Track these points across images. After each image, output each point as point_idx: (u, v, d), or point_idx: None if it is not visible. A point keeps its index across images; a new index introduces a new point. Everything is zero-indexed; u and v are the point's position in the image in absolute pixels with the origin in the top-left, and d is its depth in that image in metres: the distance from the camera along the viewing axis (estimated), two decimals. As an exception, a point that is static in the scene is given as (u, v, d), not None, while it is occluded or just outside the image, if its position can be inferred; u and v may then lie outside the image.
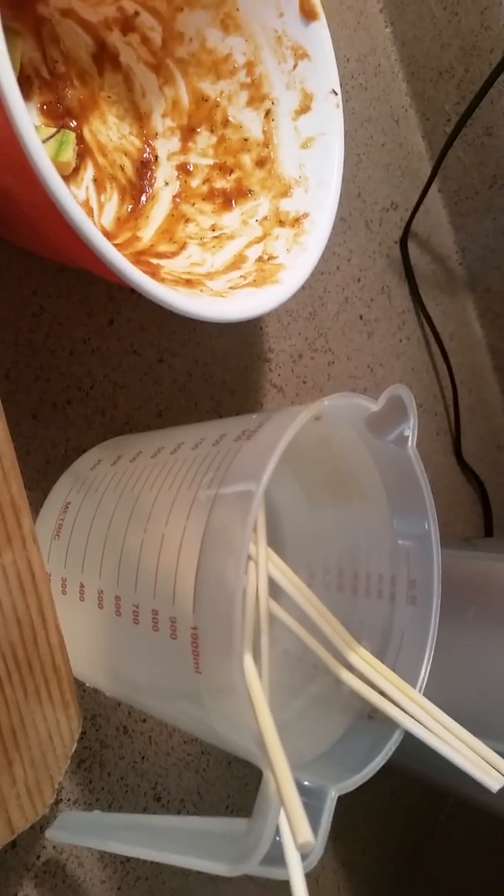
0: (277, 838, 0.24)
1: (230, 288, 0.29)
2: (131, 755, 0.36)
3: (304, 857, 0.25)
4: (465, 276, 0.61)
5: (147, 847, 0.26)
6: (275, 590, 0.30)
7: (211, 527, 0.23)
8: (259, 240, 0.32)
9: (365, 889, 0.51)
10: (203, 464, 0.25)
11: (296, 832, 0.19)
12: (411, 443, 0.30)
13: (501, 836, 0.59)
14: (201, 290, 0.28)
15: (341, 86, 0.33)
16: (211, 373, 0.39)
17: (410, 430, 0.30)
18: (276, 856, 0.24)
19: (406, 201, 0.55)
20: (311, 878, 0.48)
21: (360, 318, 0.50)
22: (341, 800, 0.50)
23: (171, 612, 0.24)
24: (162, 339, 0.36)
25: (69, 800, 0.33)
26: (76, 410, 0.32)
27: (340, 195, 0.49)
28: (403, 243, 0.54)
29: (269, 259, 0.31)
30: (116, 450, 0.30)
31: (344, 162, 0.43)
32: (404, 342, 0.54)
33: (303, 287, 0.45)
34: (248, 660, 0.25)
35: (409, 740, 0.40)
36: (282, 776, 0.20)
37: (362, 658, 0.30)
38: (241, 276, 0.30)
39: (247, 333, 0.41)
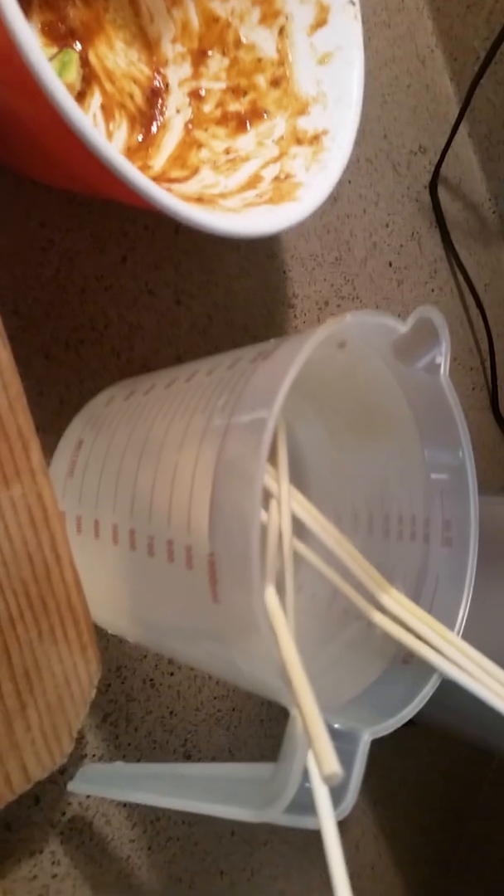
0: (307, 784, 0.23)
1: (245, 206, 0.27)
2: (159, 710, 0.34)
3: (336, 804, 0.23)
4: (499, 225, 0.59)
5: (171, 796, 0.25)
6: (302, 532, 0.29)
7: (225, 449, 0.22)
8: (276, 160, 0.30)
9: (407, 856, 0.50)
10: (217, 388, 0.24)
11: (321, 762, 0.17)
12: (444, 370, 0.28)
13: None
14: (214, 208, 0.26)
15: (362, 23, 0.31)
16: (232, 318, 0.37)
17: (442, 356, 0.28)
18: (306, 803, 0.23)
19: (435, 145, 0.52)
20: (351, 845, 0.46)
21: (390, 265, 0.48)
22: (380, 764, 0.49)
23: (187, 540, 0.22)
24: (179, 279, 0.35)
25: (94, 756, 0.32)
26: (90, 351, 0.31)
27: (365, 135, 0.47)
28: (433, 189, 0.52)
29: (286, 178, 0.29)
30: (131, 386, 0.29)
31: (366, 92, 0.41)
32: (436, 292, 0.52)
33: (328, 230, 0.43)
34: (271, 592, 0.24)
35: (449, 695, 0.38)
36: (306, 706, 0.19)
37: (395, 600, 0.29)
38: (258, 195, 0.28)
39: (270, 278, 0.40)
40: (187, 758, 0.36)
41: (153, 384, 0.27)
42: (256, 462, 0.20)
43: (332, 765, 0.17)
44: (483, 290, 0.56)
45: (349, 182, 0.45)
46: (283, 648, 0.21)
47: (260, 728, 0.39)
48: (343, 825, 0.46)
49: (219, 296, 0.36)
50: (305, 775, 0.22)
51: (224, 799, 0.23)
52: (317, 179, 0.29)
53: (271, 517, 0.27)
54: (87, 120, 0.21)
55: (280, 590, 0.25)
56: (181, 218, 0.24)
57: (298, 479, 0.33)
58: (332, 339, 0.27)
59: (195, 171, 0.31)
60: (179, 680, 0.35)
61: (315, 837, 0.22)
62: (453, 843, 0.54)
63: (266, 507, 0.27)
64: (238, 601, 0.21)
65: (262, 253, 0.39)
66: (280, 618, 0.22)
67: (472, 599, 0.29)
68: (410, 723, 0.45)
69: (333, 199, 0.44)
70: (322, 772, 0.17)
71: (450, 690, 0.35)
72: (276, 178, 0.29)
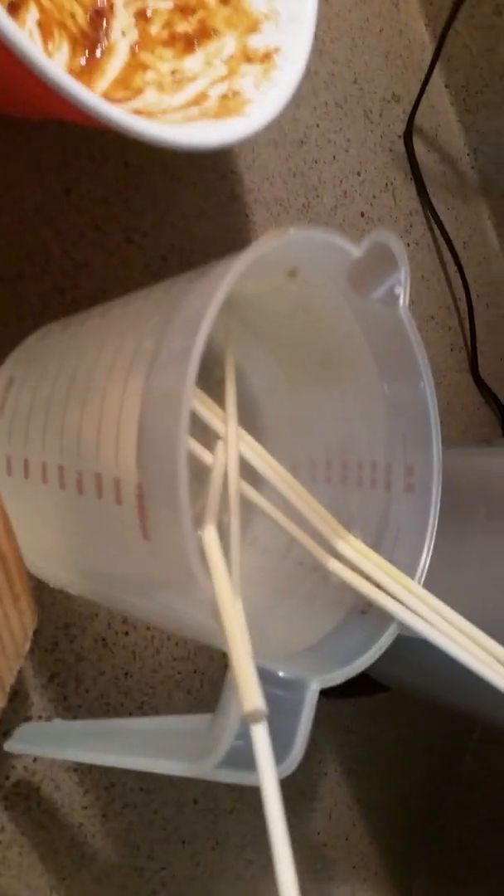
0: (249, 736, 0.21)
1: (187, 121, 0.25)
2: (112, 671, 0.33)
3: (282, 758, 0.22)
4: (478, 180, 0.57)
5: (108, 752, 0.23)
6: (255, 483, 0.27)
7: (154, 371, 0.20)
8: (224, 78, 0.28)
9: (383, 825, 0.48)
10: (151, 309, 0.22)
11: (242, 696, 0.16)
12: (402, 302, 0.26)
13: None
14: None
15: None
16: (189, 260, 0.35)
17: (402, 286, 0.26)
18: (250, 757, 0.21)
19: (409, 94, 0.50)
20: (324, 814, 0.45)
21: (362, 215, 0.46)
22: (355, 733, 0.47)
23: (115, 472, 0.21)
24: (130, 216, 0.33)
25: (41, 718, 0.30)
26: (30, 287, 0.29)
27: (334, 79, 0.45)
28: (408, 139, 0.50)
29: (234, 96, 0.27)
30: (69, 320, 0.27)
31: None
32: (412, 247, 0.50)
33: (294, 174, 0.41)
34: (211, 531, 0.22)
35: (423, 657, 0.36)
36: (231, 634, 0.17)
37: (353, 547, 0.27)
38: (201, 112, 0.26)
39: (231, 221, 0.38)
40: (145, 722, 0.34)
41: (90, 315, 0.25)
42: (185, 380, 0.19)
43: (255, 699, 0.15)
44: (461, 248, 0.54)
45: (317, 126, 0.43)
46: (215, 582, 0.19)
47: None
48: (314, 794, 0.44)
49: (175, 237, 0.35)
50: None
51: (160, 753, 0.22)
52: (266, 97, 0.27)
53: (217, 458, 0.25)
54: (10, 20, 0.19)
55: (224, 535, 0.24)
56: (117, 126, 0.22)
57: (252, 426, 0.32)
58: (281, 262, 0.25)
59: (138, 93, 0.29)
60: (135, 640, 0.34)
61: (285, 806, 0.20)
62: (432, 814, 0.53)
63: (213, 449, 0.25)
64: (169, 537, 0.20)
65: (222, 194, 0.37)
66: (217, 555, 0.21)
67: (439, 554, 0.28)
68: (384, 688, 0.44)
69: (300, 142, 0.42)
70: (243, 707, 0.15)
71: (423, 652, 0.34)
72: (224, 97, 0.27)
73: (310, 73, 0.43)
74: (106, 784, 0.33)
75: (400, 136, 0.49)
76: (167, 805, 0.36)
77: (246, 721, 0.16)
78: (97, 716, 0.32)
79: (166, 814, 0.36)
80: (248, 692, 0.16)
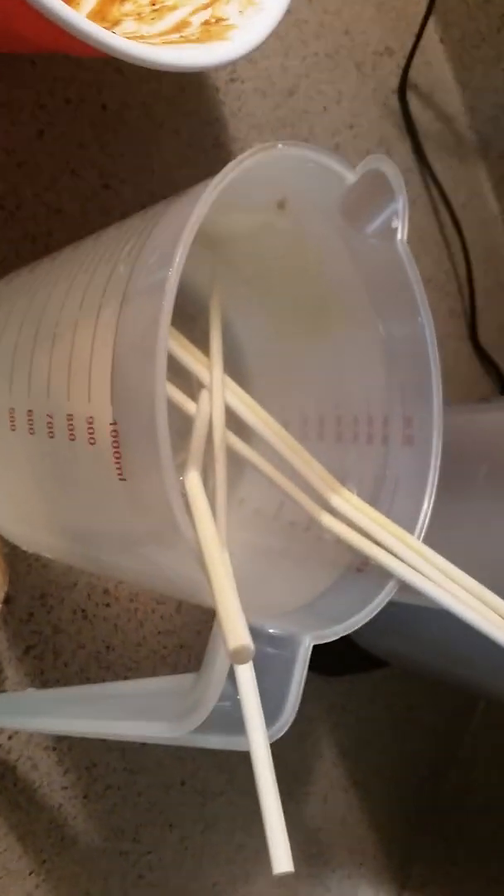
0: (238, 697, 0.19)
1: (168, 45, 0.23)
2: (93, 644, 0.31)
3: (273, 720, 0.20)
4: (476, 140, 0.55)
5: (80, 718, 0.21)
6: (244, 437, 0.25)
7: (127, 298, 0.18)
8: (206, 6, 0.26)
9: (380, 809, 0.46)
10: (126, 235, 0.20)
11: (227, 634, 0.14)
12: (400, 235, 0.24)
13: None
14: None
15: None
16: (173, 211, 0.33)
17: (399, 218, 0.24)
18: (238, 720, 0.19)
19: (403, 48, 0.48)
20: (318, 797, 0.43)
21: (354, 172, 0.44)
22: (352, 713, 0.45)
23: (87, 410, 0.19)
24: (107, 160, 0.31)
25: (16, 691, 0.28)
26: (-1, 231, 0.27)
27: (323, 28, 0.43)
28: (402, 94, 0.48)
29: (217, 22, 0.25)
30: (38, 261, 0.25)
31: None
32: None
33: (283, 124, 0.39)
34: (194, 476, 0.20)
35: (423, 627, 0.34)
36: (217, 578, 0.15)
37: (349, 501, 0.25)
38: (182, 38, 0.24)
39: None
40: (129, 698, 0.33)
41: (61, 252, 0.23)
42: (161, 303, 0.17)
43: (241, 636, 0.14)
44: (460, 209, 0.52)
45: (307, 76, 0.41)
46: (199, 529, 0.18)
47: (213, 668, 0.36)
48: (308, 777, 0.43)
49: (155, 184, 0.32)
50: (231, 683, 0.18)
51: (139, 715, 0.20)
52: (251, 21, 0.25)
53: (200, 407, 0.23)
54: None
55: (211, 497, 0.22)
56: (97, 43, 0.20)
57: (238, 381, 0.30)
58: (268, 187, 0.23)
59: (115, 24, 0.27)
60: (117, 612, 0.32)
61: (279, 789, 0.19)
62: (431, 797, 0.51)
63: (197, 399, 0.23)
64: (147, 478, 0.18)
65: (206, 141, 0.35)
66: (201, 500, 0.19)
67: (437, 515, 0.26)
68: (381, 663, 0.42)
69: (289, 91, 0.40)
70: (228, 645, 0.14)
71: (423, 619, 0.32)
72: (206, 23, 0.25)
73: (299, 22, 0.41)
74: (87, 764, 0.31)
75: (394, 92, 0.47)
76: (153, 787, 0.34)
77: (232, 661, 0.14)
78: (78, 691, 0.30)
79: (152, 796, 0.34)
80: (234, 629, 0.14)
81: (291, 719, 0.20)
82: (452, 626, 0.24)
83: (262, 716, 0.17)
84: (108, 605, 0.31)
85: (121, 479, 0.18)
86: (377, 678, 0.44)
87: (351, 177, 0.22)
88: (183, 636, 0.34)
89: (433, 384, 0.26)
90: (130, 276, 0.18)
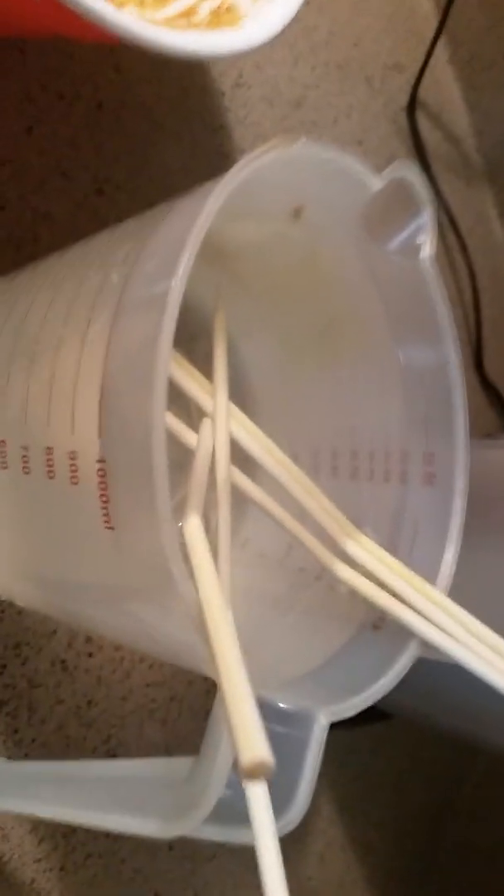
0: (240, 789, 0.16)
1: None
2: (73, 698, 0.28)
3: (283, 810, 0.17)
4: (483, 164, 0.53)
5: (58, 804, 0.18)
6: (247, 472, 0.22)
7: (121, 314, 0.15)
8: (215, -8, 0.24)
9: (379, 869, 0.43)
10: (120, 239, 0.17)
11: (241, 743, 0.11)
12: (427, 251, 0.22)
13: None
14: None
15: None
16: (171, 223, 0.31)
17: (426, 234, 0.22)
18: (242, 809, 0.16)
19: (413, 64, 0.46)
20: (315, 856, 0.40)
21: (361, 190, 0.42)
22: (352, 767, 0.42)
23: (70, 444, 0.16)
24: (101, 163, 0.28)
25: (-14, 753, 0.25)
26: (-21, 237, 0.25)
27: (333, 37, 0.41)
28: (411, 112, 0.46)
29: (227, 10, 0.23)
30: (19, 270, 0.22)
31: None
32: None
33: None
34: (195, 521, 0.17)
35: (430, 678, 0.31)
36: (222, 654, 0.12)
37: (365, 548, 0.22)
38: (189, 25, 0.22)
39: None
40: (112, 757, 0.29)
41: (45, 259, 0.21)
42: (162, 319, 0.14)
43: (257, 747, 0.11)
44: (467, 234, 0.50)
45: (317, 87, 0.39)
46: (200, 585, 0.15)
47: (204, 722, 0.33)
48: (304, 837, 0.39)
49: (153, 192, 0.30)
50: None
51: (126, 807, 0.17)
52: (263, 11, 0.23)
53: (202, 439, 0.20)
54: None
55: (213, 537, 0.19)
56: (95, 17, 0.18)
57: (244, 411, 0.27)
58: (284, 192, 0.20)
59: (118, 7, 0.24)
60: (101, 662, 0.29)
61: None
62: (431, 852, 0.48)
63: (198, 429, 0.21)
64: (139, 525, 0.15)
65: (210, 149, 0.32)
66: (202, 550, 0.16)
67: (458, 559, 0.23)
68: (386, 716, 0.39)
69: (297, 102, 0.37)
70: (242, 759, 0.11)
71: (439, 675, 0.29)
72: (215, 11, 0.23)
73: (308, 29, 0.39)
74: (64, 830, 0.28)
75: (403, 109, 0.45)
76: (137, 853, 0.31)
77: (245, 778, 0.11)
78: (54, 751, 0.27)
79: (136, 863, 0.30)
80: (248, 737, 0.11)
81: (304, 812, 0.17)
82: (470, 682, 0.21)
83: (271, 820, 0.14)
84: (90, 654, 0.28)
85: (107, 528, 0.15)
86: (379, 730, 0.41)
87: (376, 183, 0.20)
88: (174, 687, 0.31)
89: (458, 418, 0.23)
90: (125, 286, 0.15)
